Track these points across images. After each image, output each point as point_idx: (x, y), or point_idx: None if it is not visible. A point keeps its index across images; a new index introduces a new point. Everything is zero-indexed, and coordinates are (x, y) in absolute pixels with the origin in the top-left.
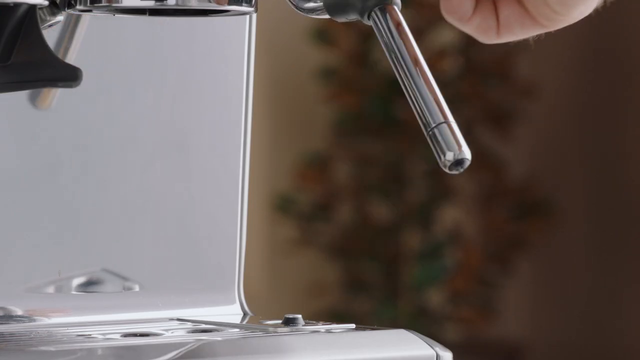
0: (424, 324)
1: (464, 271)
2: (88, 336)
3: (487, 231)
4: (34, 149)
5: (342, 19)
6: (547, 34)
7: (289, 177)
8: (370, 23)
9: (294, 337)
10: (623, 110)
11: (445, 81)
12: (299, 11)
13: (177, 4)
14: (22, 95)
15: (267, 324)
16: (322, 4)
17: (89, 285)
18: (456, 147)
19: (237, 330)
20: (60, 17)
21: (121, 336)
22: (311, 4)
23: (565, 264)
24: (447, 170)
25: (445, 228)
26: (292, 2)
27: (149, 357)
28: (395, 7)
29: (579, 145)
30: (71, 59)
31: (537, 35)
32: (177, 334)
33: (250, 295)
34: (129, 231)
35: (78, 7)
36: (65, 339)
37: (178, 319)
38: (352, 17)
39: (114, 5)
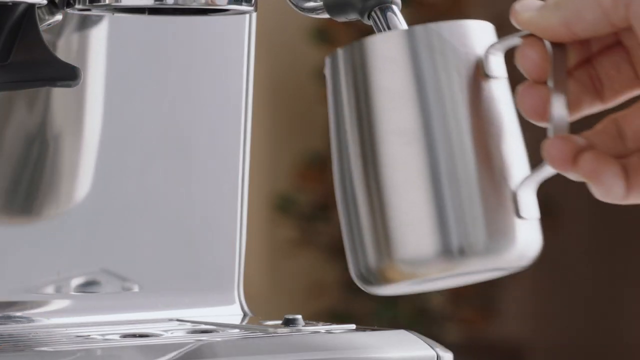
0: (424, 324)
1: None
2: (87, 337)
3: None
4: (34, 149)
5: (342, 19)
6: None
7: (289, 177)
8: (370, 23)
9: (294, 338)
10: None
11: None
12: (299, 11)
13: (176, 3)
14: (20, 95)
15: (267, 325)
16: (322, 3)
17: (88, 285)
18: None
19: (237, 330)
20: (59, 17)
21: (120, 337)
22: (311, 4)
23: (566, 264)
24: None
25: None
26: (292, 2)
27: (148, 358)
28: (395, 7)
29: None
30: (70, 58)
31: None
32: (177, 334)
33: (250, 296)
34: (129, 231)
35: (77, 6)
36: (64, 339)
37: (177, 320)
38: (352, 16)
39: (113, 4)
